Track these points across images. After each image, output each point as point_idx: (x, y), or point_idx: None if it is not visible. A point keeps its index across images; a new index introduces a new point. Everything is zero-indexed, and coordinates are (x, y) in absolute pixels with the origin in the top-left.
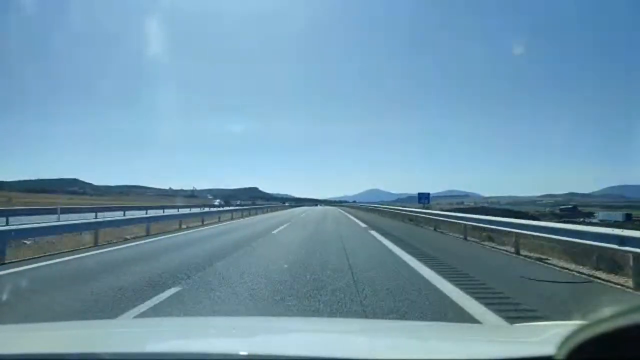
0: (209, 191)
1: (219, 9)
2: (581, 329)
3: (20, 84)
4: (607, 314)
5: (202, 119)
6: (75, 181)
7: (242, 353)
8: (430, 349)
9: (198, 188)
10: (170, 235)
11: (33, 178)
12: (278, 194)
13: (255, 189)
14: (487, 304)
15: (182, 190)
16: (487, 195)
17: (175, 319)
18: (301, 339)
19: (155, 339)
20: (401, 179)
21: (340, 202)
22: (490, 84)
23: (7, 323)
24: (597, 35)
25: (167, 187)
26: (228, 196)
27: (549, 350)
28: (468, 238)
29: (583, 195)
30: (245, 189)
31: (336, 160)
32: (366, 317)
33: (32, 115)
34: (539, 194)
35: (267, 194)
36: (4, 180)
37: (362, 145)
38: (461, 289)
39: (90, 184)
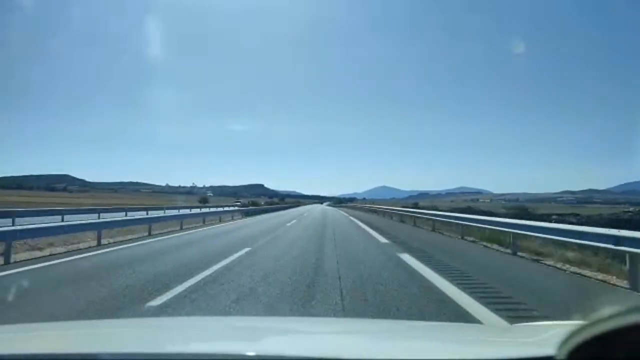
0: (210, 188)
1: (221, 7)
2: (581, 329)
3: (15, 81)
4: (607, 314)
5: (208, 117)
6: (65, 177)
7: (249, 354)
8: (430, 349)
9: (199, 185)
10: None
11: (18, 174)
12: (285, 191)
13: (261, 185)
14: None
15: (180, 187)
16: (499, 192)
17: (175, 319)
18: (302, 339)
19: (155, 339)
20: (411, 175)
21: (351, 199)
22: (501, 81)
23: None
24: (607, 31)
25: (163, 184)
26: (231, 193)
27: (549, 350)
28: None
29: (602, 191)
30: (250, 186)
31: (345, 157)
32: None
33: (26, 111)
34: (554, 190)
35: (273, 191)
36: None
37: (371, 142)
38: None
39: (82, 180)
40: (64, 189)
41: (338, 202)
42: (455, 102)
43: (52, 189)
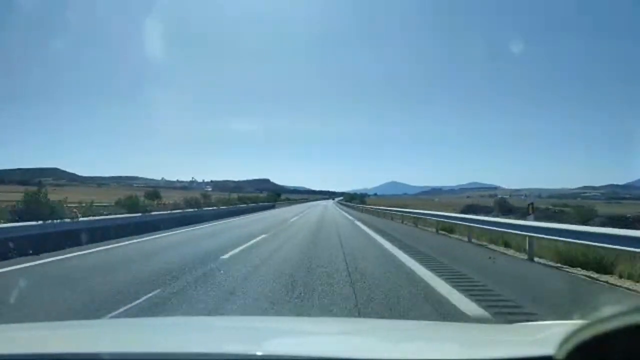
0: (211, 183)
1: (222, 4)
2: (581, 329)
3: (11, 78)
4: (607, 314)
5: (211, 109)
6: (54, 171)
7: (257, 353)
8: (430, 348)
9: (199, 180)
10: None
11: (7, 168)
12: (292, 187)
13: (267, 180)
14: None
15: (178, 182)
16: (512, 187)
17: (176, 319)
18: (306, 339)
19: (156, 339)
20: (421, 171)
21: (362, 195)
22: (513, 76)
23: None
24: (621, 26)
25: (159, 178)
26: (234, 189)
27: (549, 350)
28: None
29: (623, 186)
30: (255, 181)
31: (354, 153)
32: None
33: (19, 102)
34: (572, 186)
35: (280, 186)
36: None
37: (380, 138)
38: None
39: (72, 174)
40: (38, 183)
41: (350, 198)
42: (466, 97)
43: (25, 184)
